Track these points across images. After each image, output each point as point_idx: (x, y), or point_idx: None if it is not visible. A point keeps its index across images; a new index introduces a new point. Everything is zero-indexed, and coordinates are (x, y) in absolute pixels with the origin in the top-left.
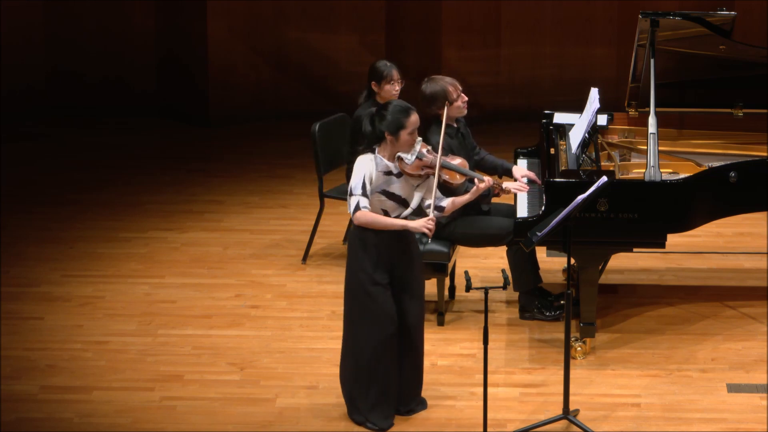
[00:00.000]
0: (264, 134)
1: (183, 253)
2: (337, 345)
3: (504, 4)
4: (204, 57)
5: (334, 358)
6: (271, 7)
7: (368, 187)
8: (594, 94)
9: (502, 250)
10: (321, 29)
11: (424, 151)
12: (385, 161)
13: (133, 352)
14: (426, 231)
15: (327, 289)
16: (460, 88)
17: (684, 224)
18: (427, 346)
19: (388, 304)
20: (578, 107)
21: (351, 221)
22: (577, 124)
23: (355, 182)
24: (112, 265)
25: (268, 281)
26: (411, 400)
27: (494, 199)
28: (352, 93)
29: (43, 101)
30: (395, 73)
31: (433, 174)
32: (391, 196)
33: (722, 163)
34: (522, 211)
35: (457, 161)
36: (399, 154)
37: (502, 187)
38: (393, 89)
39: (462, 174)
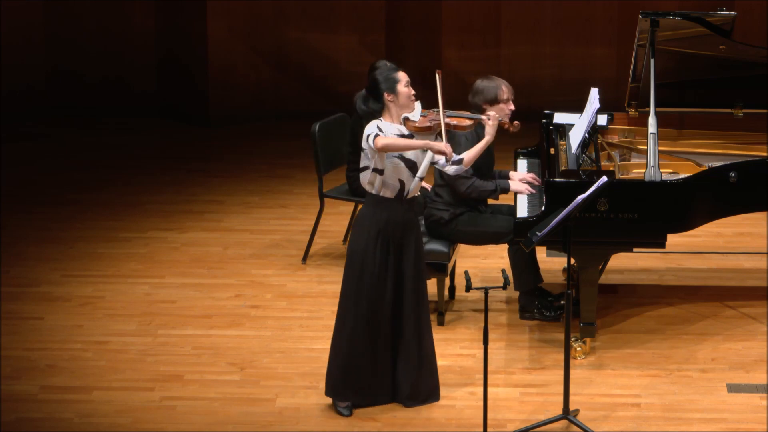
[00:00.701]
0: (264, 134)
1: (183, 253)
2: None
3: (504, 4)
4: (204, 57)
5: None
6: (271, 7)
7: (382, 132)
8: (594, 94)
9: (502, 250)
10: (321, 29)
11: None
12: (394, 125)
13: (133, 352)
14: (446, 149)
15: (327, 289)
16: (513, 96)
17: (684, 224)
18: None
19: (381, 286)
20: (578, 107)
21: (351, 221)
22: (577, 124)
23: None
24: (112, 265)
25: (268, 281)
26: (409, 387)
27: (494, 201)
28: (352, 93)
29: (43, 101)
30: None
31: (442, 124)
32: (407, 162)
33: (722, 163)
34: (522, 211)
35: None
36: (404, 115)
37: (512, 122)
38: None
39: (468, 118)
